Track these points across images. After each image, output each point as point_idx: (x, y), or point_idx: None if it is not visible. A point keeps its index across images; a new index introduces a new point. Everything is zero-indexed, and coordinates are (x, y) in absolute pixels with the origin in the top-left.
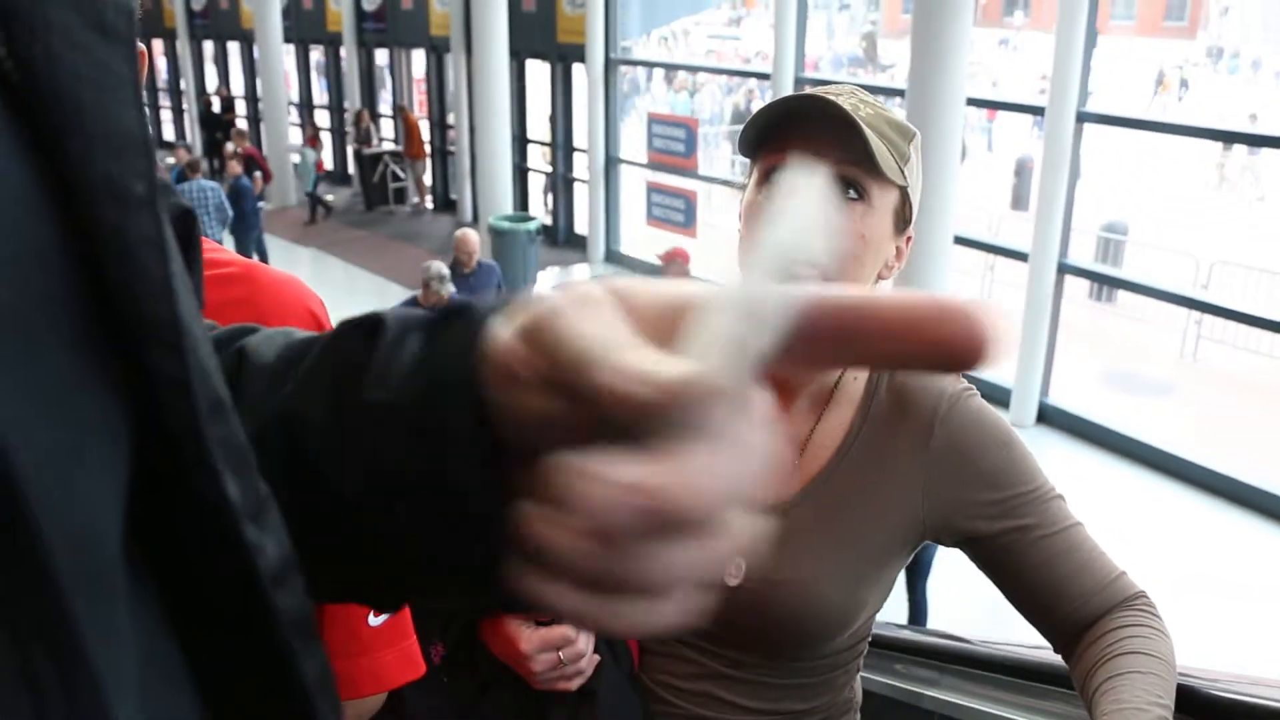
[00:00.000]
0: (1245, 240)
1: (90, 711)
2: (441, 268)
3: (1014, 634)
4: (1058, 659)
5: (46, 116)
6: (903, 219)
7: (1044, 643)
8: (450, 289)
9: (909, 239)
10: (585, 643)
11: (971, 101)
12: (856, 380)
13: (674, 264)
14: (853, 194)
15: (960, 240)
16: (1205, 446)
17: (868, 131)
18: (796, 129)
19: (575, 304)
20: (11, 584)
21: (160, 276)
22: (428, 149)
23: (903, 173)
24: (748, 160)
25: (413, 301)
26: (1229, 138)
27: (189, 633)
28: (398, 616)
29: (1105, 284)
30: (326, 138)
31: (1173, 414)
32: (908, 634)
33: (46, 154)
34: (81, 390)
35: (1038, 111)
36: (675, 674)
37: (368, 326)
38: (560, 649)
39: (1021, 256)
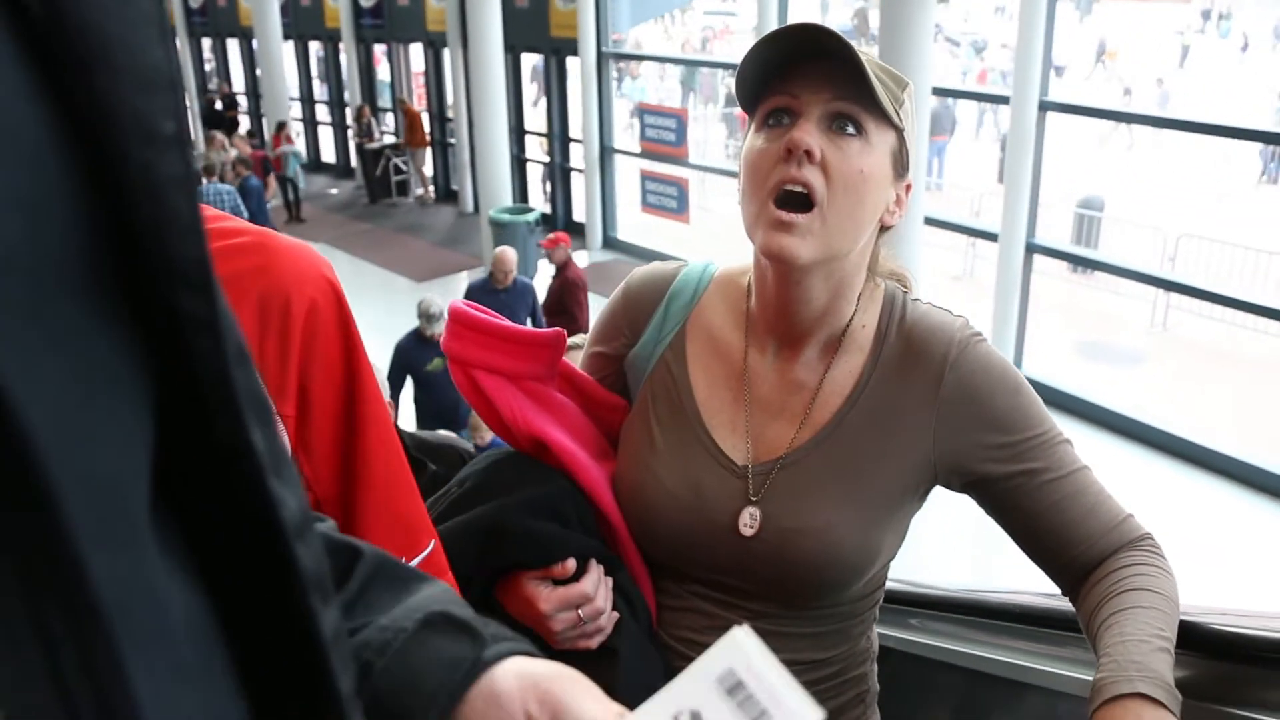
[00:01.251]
0: (1213, 212)
1: (104, 664)
2: (431, 305)
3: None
4: (1069, 605)
5: (71, 50)
6: (901, 163)
7: (1053, 589)
8: (438, 328)
9: (908, 187)
10: (604, 600)
11: (937, 91)
12: (865, 328)
13: (558, 249)
14: (851, 130)
15: (930, 221)
16: (1171, 413)
17: (866, 66)
18: (794, 66)
19: (570, 680)
20: (23, 532)
21: (189, 216)
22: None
23: (899, 114)
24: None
25: (415, 335)
26: (1189, 127)
27: (213, 585)
28: (431, 558)
29: (1071, 262)
30: (326, 132)
31: (1142, 382)
32: (922, 589)
33: (69, 91)
34: (95, 336)
35: (1002, 100)
36: (693, 628)
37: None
38: (579, 607)
39: (992, 237)
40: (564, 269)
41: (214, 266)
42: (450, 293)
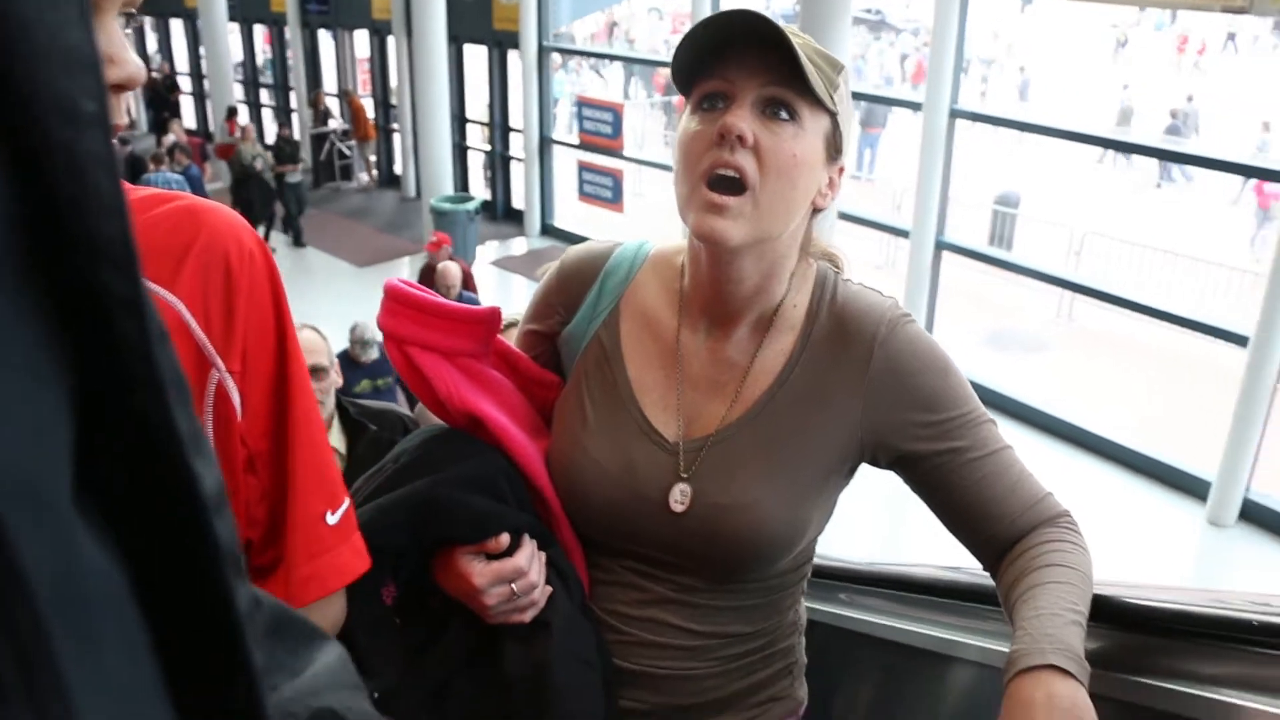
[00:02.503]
0: (1121, 209)
1: (29, 636)
2: (365, 330)
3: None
4: (992, 581)
5: None
6: (834, 147)
7: (973, 565)
8: (374, 354)
9: (841, 169)
10: (538, 574)
11: (855, 96)
12: (797, 308)
13: (441, 250)
14: (784, 115)
15: (845, 217)
16: (1068, 399)
17: (799, 52)
18: (729, 50)
19: None
20: None
21: (111, 195)
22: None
23: (832, 98)
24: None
25: (345, 356)
26: (1092, 140)
27: (132, 559)
28: (348, 512)
29: (978, 259)
30: (270, 115)
31: (1044, 369)
32: (850, 564)
33: None
34: (12, 318)
35: (915, 107)
36: (624, 601)
37: None
38: (513, 581)
39: (904, 234)
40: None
41: (137, 245)
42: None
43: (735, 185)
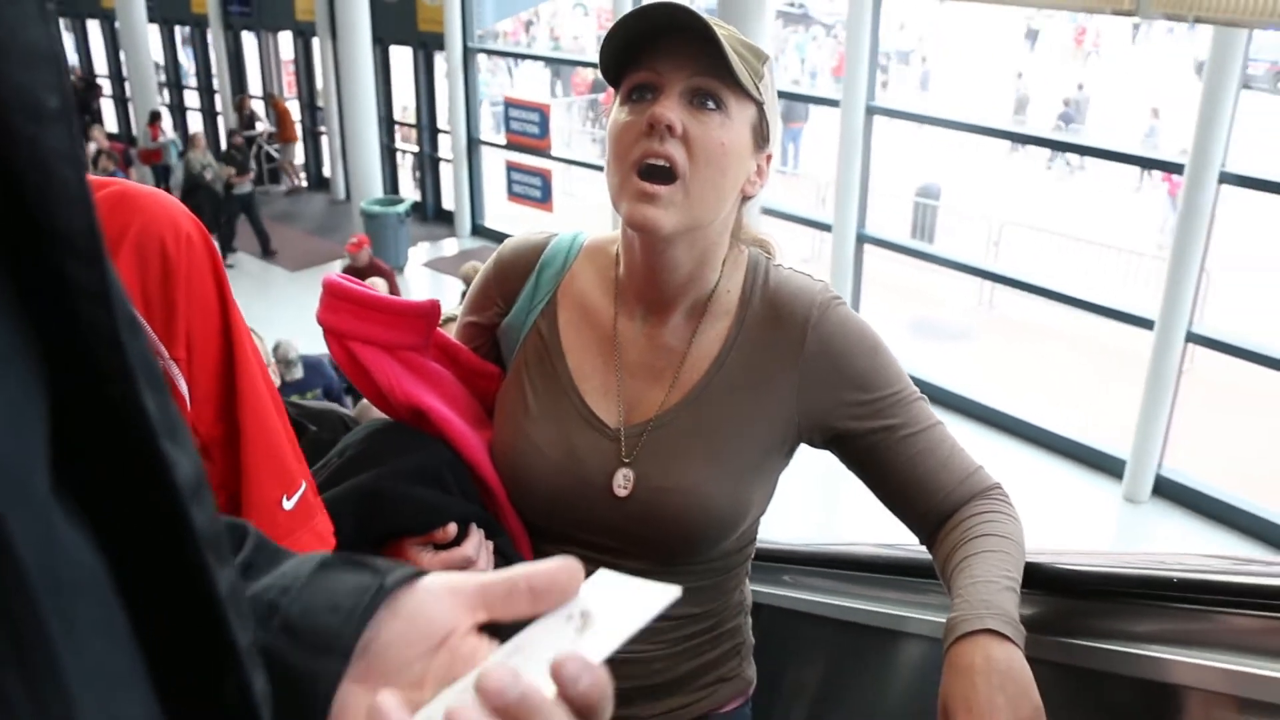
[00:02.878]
0: (1038, 197)
1: (25, 621)
2: (289, 350)
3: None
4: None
5: None
6: (761, 136)
7: (913, 541)
8: (298, 373)
9: (769, 157)
10: (486, 563)
11: (781, 94)
12: (730, 293)
13: (362, 251)
14: (711, 104)
15: (768, 212)
16: (989, 385)
17: (724, 44)
18: (656, 42)
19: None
20: None
21: (76, 188)
22: (299, 131)
23: (758, 88)
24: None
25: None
26: (996, 134)
27: (111, 546)
28: (306, 496)
29: (899, 252)
30: (196, 118)
31: (966, 357)
32: (793, 545)
33: None
34: None
35: (834, 103)
36: None
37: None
38: (462, 570)
39: (826, 228)
40: (368, 271)
41: (103, 237)
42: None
43: (666, 174)
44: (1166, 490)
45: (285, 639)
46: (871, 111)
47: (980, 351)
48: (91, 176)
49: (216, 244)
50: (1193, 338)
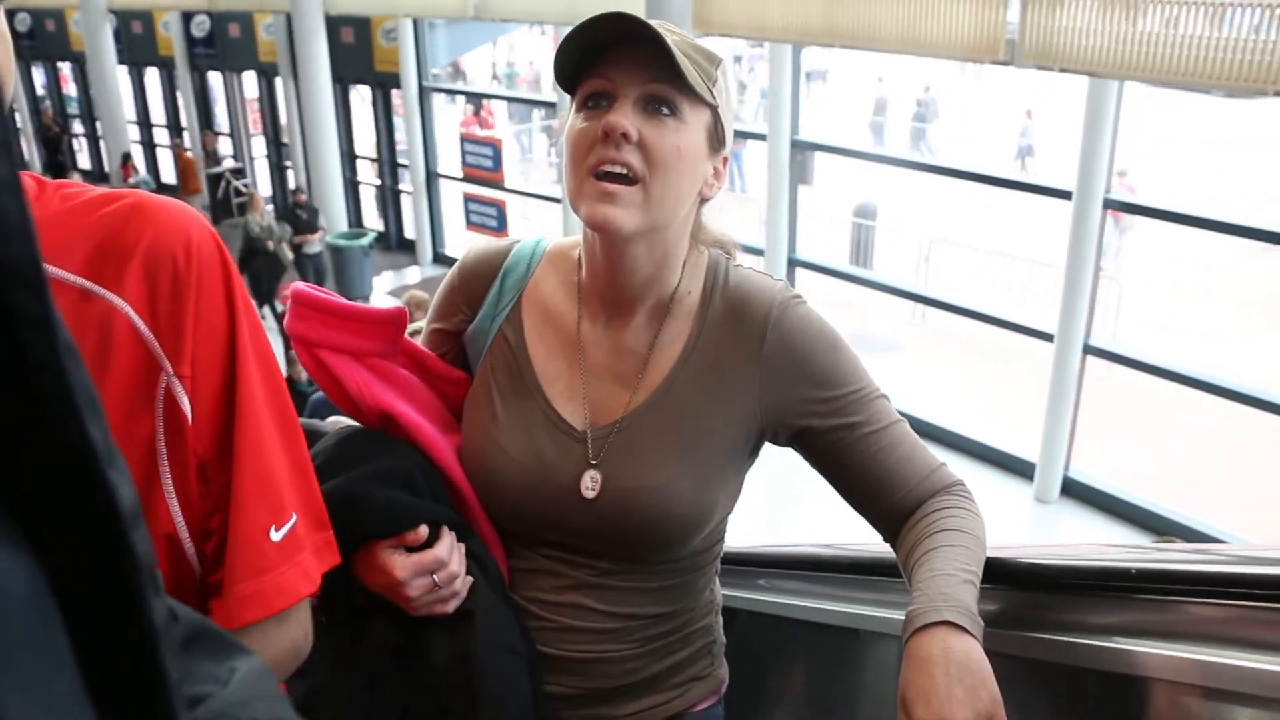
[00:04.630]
0: (969, 215)
1: None
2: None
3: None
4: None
5: None
6: (717, 138)
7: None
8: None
9: (725, 159)
10: (458, 565)
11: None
12: (691, 294)
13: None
14: (665, 110)
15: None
16: (917, 396)
17: (675, 51)
18: (609, 50)
19: None
20: None
21: (18, 217)
22: (265, 164)
23: (711, 92)
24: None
25: None
26: (897, 162)
27: (50, 572)
28: (296, 529)
29: (828, 275)
30: (165, 155)
31: (897, 369)
32: (765, 549)
33: None
34: None
35: (761, 138)
36: (544, 588)
37: None
38: (434, 573)
39: (759, 252)
40: None
41: (43, 265)
42: None
43: (624, 179)
44: (1074, 490)
45: None
46: (796, 146)
47: (909, 362)
48: (109, 190)
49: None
50: (1090, 350)
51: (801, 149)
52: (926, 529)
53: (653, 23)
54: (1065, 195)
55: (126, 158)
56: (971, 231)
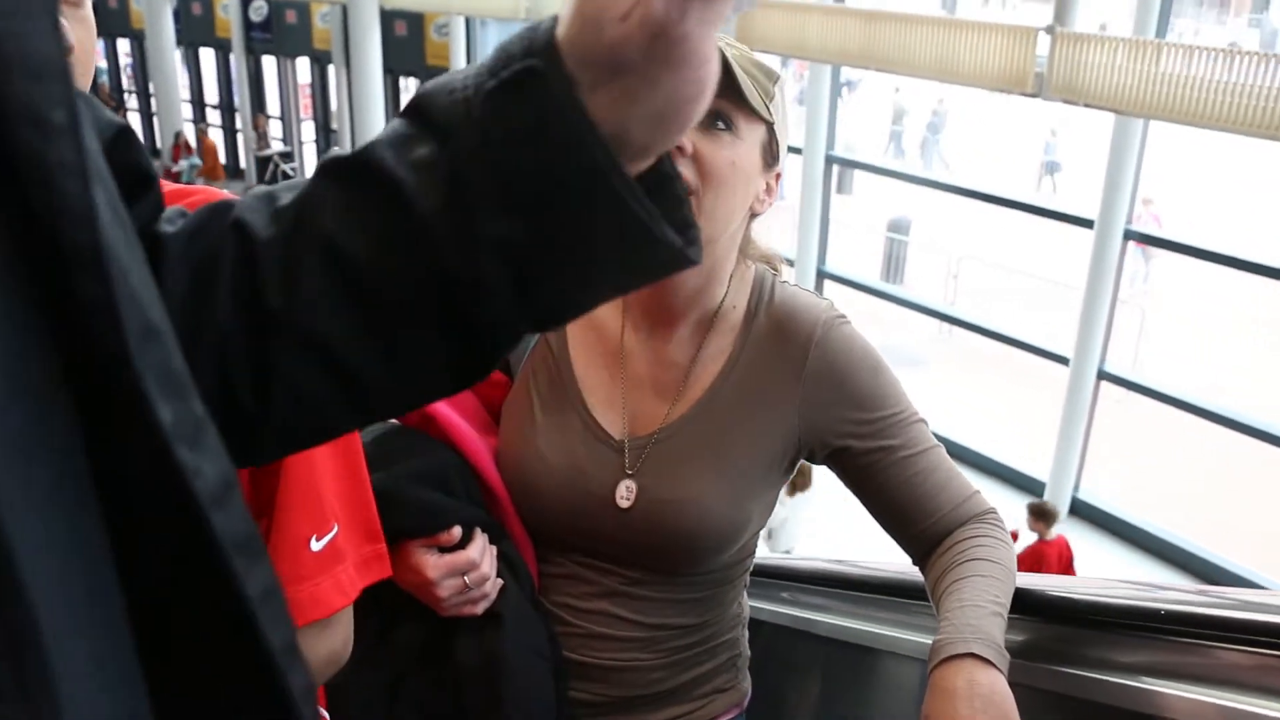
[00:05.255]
0: (999, 232)
1: (23, 631)
2: None
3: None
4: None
5: None
6: (771, 154)
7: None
8: None
9: (778, 175)
10: (489, 566)
11: None
12: (736, 309)
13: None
14: (721, 125)
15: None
16: (937, 412)
17: (735, 66)
18: None
19: None
20: None
21: (81, 203)
22: (313, 150)
23: (768, 109)
24: None
25: None
26: (959, 190)
27: (127, 556)
28: (336, 540)
29: (856, 289)
30: (218, 135)
31: (922, 384)
32: (793, 562)
33: None
34: (6, 325)
35: (797, 151)
36: (574, 594)
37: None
38: (466, 574)
39: (790, 263)
40: None
41: (108, 250)
42: None
43: None
44: (1082, 511)
45: None
46: (830, 161)
47: (933, 378)
48: (180, 186)
49: None
50: (1103, 375)
51: (835, 164)
52: (957, 557)
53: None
54: (1088, 224)
55: (178, 137)
56: (1001, 248)
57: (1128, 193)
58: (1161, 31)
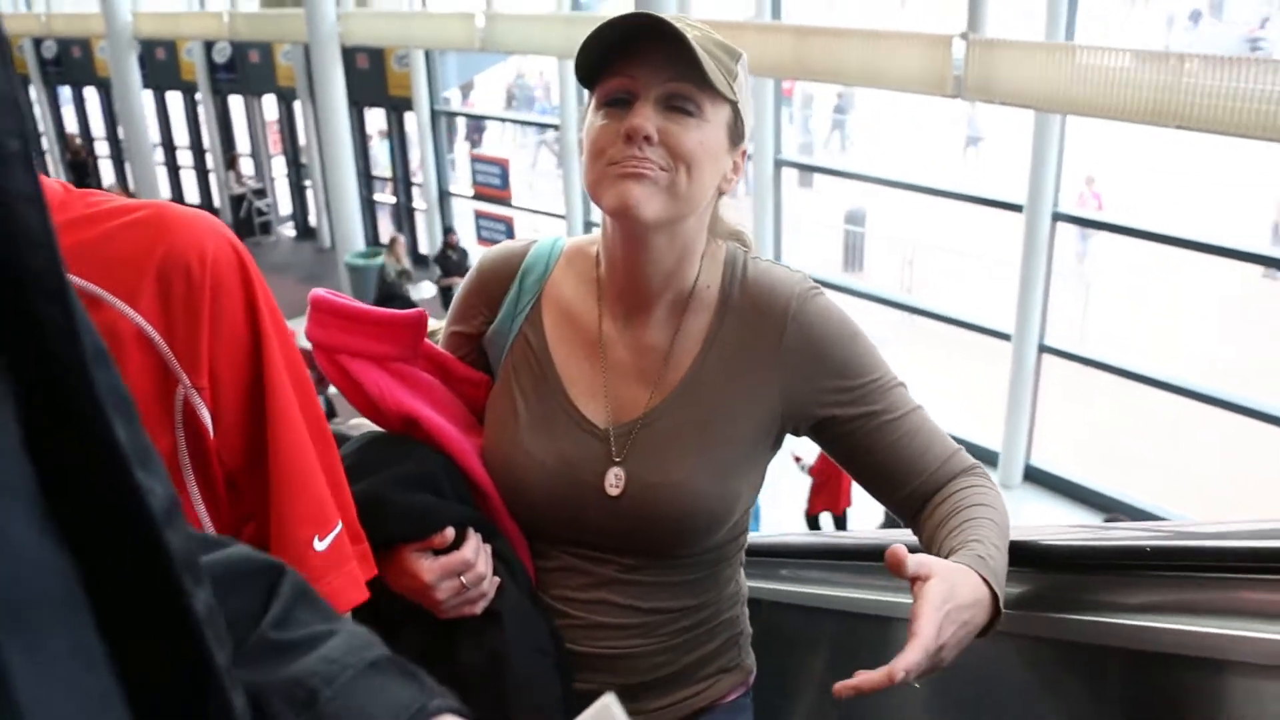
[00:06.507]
0: (947, 218)
1: None
2: None
3: None
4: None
5: None
6: (736, 133)
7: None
8: None
9: (744, 153)
10: (485, 566)
11: None
12: (710, 288)
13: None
14: (687, 108)
15: None
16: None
17: (698, 49)
18: (630, 48)
19: None
20: None
21: (39, 229)
22: (285, 184)
23: (732, 88)
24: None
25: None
26: (897, 185)
27: (86, 571)
28: (341, 537)
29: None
30: (189, 176)
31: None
32: (788, 538)
33: None
34: None
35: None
36: (571, 586)
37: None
38: (462, 574)
39: None
40: None
41: (67, 274)
42: None
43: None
44: (1035, 477)
45: None
46: (779, 164)
47: (896, 358)
48: (128, 201)
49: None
50: (1045, 348)
51: (784, 166)
52: (955, 507)
53: (675, 21)
54: (1017, 208)
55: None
56: (951, 231)
57: (1052, 178)
58: (1070, 33)
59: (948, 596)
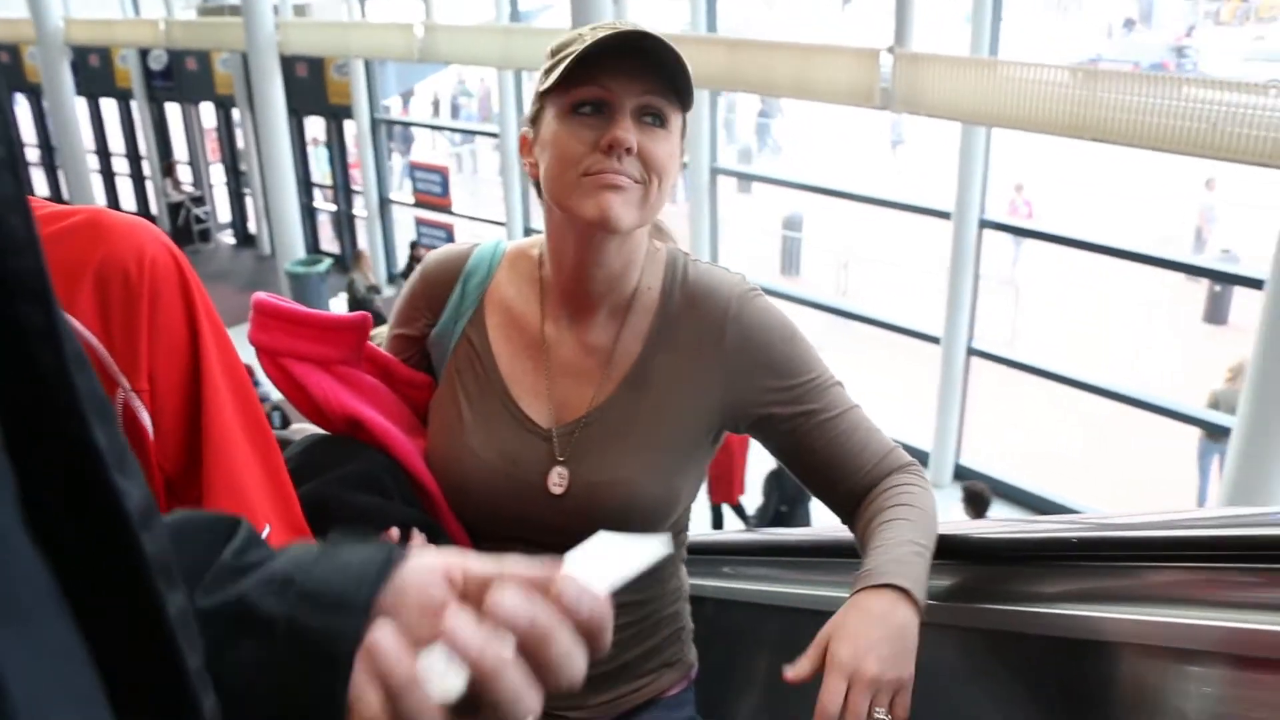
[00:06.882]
0: (883, 223)
1: None
2: None
3: None
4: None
5: None
6: (683, 138)
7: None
8: None
9: (681, 153)
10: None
11: None
12: (651, 289)
13: None
14: (657, 121)
15: None
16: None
17: (688, 65)
18: (604, 60)
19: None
20: None
21: (24, 233)
22: (224, 192)
23: (691, 97)
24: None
25: None
26: (831, 193)
27: (63, 573)
28: (269, 540)
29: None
30: (125, 183)
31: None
32: (730, 536)
33: None
34: None
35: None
36: None
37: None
38: None
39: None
40: None
41: (50, 278)
42: None
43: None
44: (965, 475)
45: (305, 605)
46: (716, 172)
47: (831, 360)
48: (62, 207)
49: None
50: (973, 351)
51: (719, 174)
52: (882, 505)
53: (652, 34)
54: (945, 215)
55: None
56: (885, 236)
57: (979, 187)
58: (994, 48)
59: (854, 645)
